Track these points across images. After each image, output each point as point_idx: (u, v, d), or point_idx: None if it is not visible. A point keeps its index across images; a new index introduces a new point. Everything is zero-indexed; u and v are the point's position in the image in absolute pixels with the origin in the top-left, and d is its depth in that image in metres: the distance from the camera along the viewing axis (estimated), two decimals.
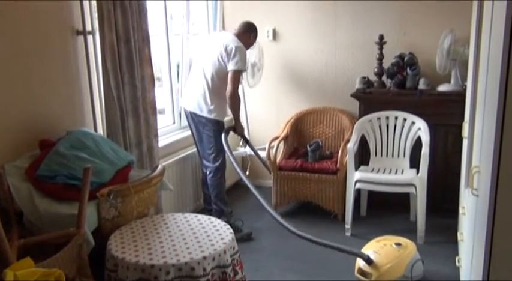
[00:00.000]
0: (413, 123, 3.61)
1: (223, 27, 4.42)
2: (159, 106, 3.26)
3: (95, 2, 2.66)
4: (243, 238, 3.38)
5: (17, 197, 2.15)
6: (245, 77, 4.04)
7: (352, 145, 3.50)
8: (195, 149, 3.83)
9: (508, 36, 1.33)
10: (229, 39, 3.41)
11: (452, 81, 3.63)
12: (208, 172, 3.58)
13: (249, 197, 4.01)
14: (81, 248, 2.01)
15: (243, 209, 4.00)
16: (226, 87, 3.35)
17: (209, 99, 3.42)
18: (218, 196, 3.57)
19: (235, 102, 3.39)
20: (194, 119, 3.52)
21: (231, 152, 3.38)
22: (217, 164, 3.51)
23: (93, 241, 2.11)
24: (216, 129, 3.48)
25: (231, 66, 3.32)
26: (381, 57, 3.77)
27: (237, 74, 3.35)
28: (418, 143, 3.54)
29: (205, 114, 3.44)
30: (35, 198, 2.16)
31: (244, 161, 4.57)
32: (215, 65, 3.38)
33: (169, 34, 3.71)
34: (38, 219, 2.13)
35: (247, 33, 3.57)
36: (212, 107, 3.42)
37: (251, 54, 4.07)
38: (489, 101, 1.66)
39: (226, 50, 3.34)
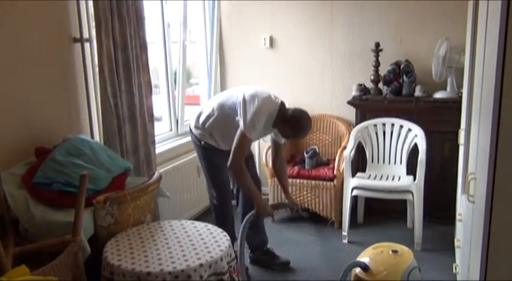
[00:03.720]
0: (409, 130, 3.62)
1: (220, 36, 4.43)
2: (156, 113, 3.26)
3: (92, 9, 2.66)
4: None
5: (12, 204, 2.14)
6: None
7: (348, 152, 3.50)
8: (192, 156, 3.83)
9: (502, 44, 1.34)
10: (257, 95, 2.73)
11: (448, 88, 3.65)
12: None
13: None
14: (77, 256, 2.00)
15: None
16: (221, 128, 2.86)
17: (200, 120, 2.94)
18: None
19: (238, 174, 2.76)
20: (190, 130, 3.09)
21: (242, 244, 2.72)
22: (214, 200, 3.06)
23: (89, 249, 2.10)
24: (201, 151, 3.01)
25: (240, 123, 2.70)
26: (377, 65, 3.79)
27: (244, 139, 2.68)
28: (414, 150, 3.55)
29: (192, 127, 3.01)
30: (31, 205, 2.15)
31: None
32: (230, 106, 2.82)
33: (166, 42, 3.72)
34: (33, 226, 2.12)
35: (286, 123, 2.80)
36: (197, 124, 2.96)
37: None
38: (484, 108, 1.67)
39: (244, 100, 2.72)
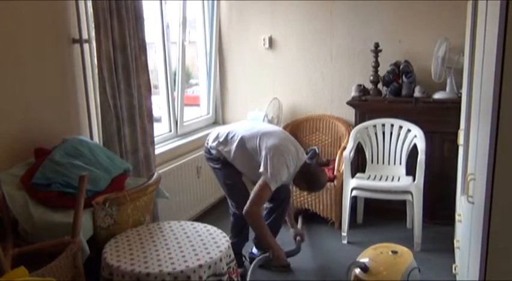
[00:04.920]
0: (409, 130, 3.62)
1: (220, 36, 4.43)
2: (155, 114, 3.25)
3: (91, 10, 2.66)
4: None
5: (12, 205, 2.13)
6: None
7: (348, 153, 3.50)
8: (192, 157, 3.83)
9: (501, 44, 1.33)
10: (284, 149, 2.75)
11: (447, 89, 3.65)
12: None
13: None
14: (76, 257, 2.00)
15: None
16: (240, 160, 2.85)
17: (218, 146, 2.93)
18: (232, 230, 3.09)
19: (253, 221, 2.74)
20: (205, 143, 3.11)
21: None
22: (234, 209, 3.04)
23: (89, 250, 2.10)
24: (217, 163, 2.98)
25: (266, 175, 2.68)
26: (376, 65, 3.79)
27: (266, 190, 2.68)
28: (414, 150, 3.55)
29: (210, 147, 2.99)
30: (30, 206, 2.14)
31: None
32: (252, 147, 2.81)
33: (166, 42, 3.71)
34: (33, 227, 2.11)
35: (304, 180, 2.87)
36: (215, 147, 2.95)
37: (268, 110, 4.05)
38: (483, 108, 1.67)
39: (270, 151, 2.71)
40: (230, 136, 2.90)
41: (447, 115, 3.47)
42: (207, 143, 3.04)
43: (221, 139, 2.93)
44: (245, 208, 2.72)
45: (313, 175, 2.87)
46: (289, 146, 2.80)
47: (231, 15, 4.41)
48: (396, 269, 2.61)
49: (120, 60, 2.81)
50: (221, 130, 3.00)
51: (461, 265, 2.45)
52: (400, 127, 3.67)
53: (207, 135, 3.52)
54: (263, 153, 2.73)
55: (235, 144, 2.86)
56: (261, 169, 2.71)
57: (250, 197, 2.73)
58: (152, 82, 3.14)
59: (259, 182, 2.71)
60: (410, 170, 3.53)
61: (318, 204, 3.74)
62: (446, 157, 3.58)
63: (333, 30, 4.09)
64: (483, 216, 1.46)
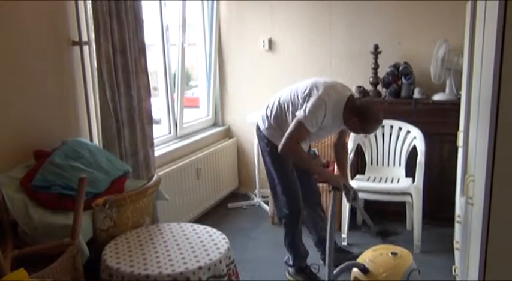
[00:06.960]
0: (408, 132, 3.63)
1: (219, 38, 4.44)
2: (155, 116, 3.25)
3: (91, 12, 2.66)
4: None
5: (11, 207, 2.14)
6: None
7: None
8: (192, 159, 3.83)
9: (499, 45, 1.34)
10: (321, 84, 2.64)
11: (447, 90, 3.65)
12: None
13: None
14: (76, 259, 2.00)
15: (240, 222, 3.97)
16: (280, 123, 2.75)
17: (266, 119, 2.86)
18: (289, 246, 3.01)
19: (293, 153, 2.64)
20: (257, 135, 2.96)
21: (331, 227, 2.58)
22: (284, 209, 2.90)
23: (88, 252, 2.10)
24: (272, 158, 2.83)
25: (297, 112, 2.61)
26: (376, 67, 3.79)
27: (301, 126, 2.56)
28: (413, 152, 3.55)
29: (261, 127, 2.88)
30: (30, 208, 2.15)
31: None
32: (290, 98, 2.75)
33: (165, 44, 3.72)
34: (32, 229, 2.11)
35: (352, 114, 2.62)
36: (267, 125, 2.84)
37: None
38: (482, 110, 1.67)
39: (305, 90, 2.66)
40: (273, 100, 2.85)
41: (447, 117, 3.47)
42: (259, 129, 2.90)
43: (268, 112, 2.82)
44: (280, 145, 2.57)
45: (358, 109, 2.60)
46: (332, 81, 2.72)
47: (230, 17, 4.42)
48: (396, 271, 2.61)
49: (120, 63, 2.81)
50: (263, 112, 2.90)
51: (461, 266, 2.45)
52: (400, 129, 3.68)
53: (207, 136, 3.52)
54: (300, 93, 2.66)
55: (276, 102, 2.80)
56: (297, 112, 2.60)
57: (285, 135, 2.58)
58: (152, 84, 3.14)
59: (293, 122, 2.59)
60: (410, 172, 3.53)
61: None
62: (446, 158, 3.58)
63: (332, 32, 4.09)
64: (482, 217, 1.46)
